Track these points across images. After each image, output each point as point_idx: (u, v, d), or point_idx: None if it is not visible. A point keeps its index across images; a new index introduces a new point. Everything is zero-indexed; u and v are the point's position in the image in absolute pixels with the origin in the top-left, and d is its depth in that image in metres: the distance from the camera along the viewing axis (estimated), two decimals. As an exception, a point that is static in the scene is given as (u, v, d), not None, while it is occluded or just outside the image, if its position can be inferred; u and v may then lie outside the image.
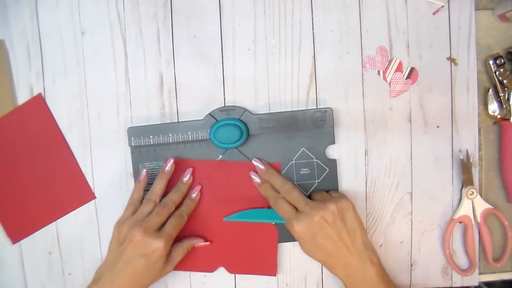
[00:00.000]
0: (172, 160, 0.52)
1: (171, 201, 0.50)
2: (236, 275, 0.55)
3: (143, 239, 0.47)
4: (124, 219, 0.50)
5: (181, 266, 0.52)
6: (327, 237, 0.48)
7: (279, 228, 0.54)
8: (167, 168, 0.52)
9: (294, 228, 0.48)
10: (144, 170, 0.52)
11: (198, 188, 0.53)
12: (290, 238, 0.52)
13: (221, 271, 0.54)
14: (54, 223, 0.55)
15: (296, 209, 0.50)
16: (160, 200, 0.51)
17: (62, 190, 0.54)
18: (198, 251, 0.53)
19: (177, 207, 0.51)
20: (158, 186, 0.51)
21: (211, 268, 0.54)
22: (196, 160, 0.53)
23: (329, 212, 0.48)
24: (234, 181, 0.53)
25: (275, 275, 0.54)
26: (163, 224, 0.49)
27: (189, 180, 0.52)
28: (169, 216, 0.50)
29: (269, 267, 0.54)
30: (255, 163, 0.52)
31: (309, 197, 0.53)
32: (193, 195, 0.53)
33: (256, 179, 0.52)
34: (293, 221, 0.49)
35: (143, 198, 0.51)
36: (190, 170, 0.53)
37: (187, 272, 0.55)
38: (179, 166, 0.53)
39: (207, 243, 0.53)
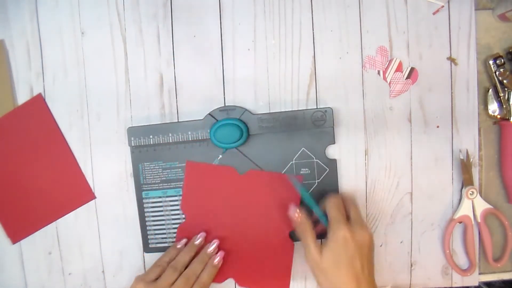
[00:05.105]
0: (203, 234, 0.52)
1: (194, 275, 0.49)
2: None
3: None
4: (148, 281, 0.48)
5: None
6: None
7: (292, 233, 0.53)
8: (197, 241, 0.52)
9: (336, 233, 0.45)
10: (184, 240, 0.52)
11: (221, 254, 0.52)
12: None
13: (230, 283, 0.54)
14: (54, 223, 0.55)
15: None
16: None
17: (62, 190, 0.54)
18: None
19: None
20: (186, 257, 0.50)
21: (220, 279, 0.53)
22: (211, 164, 0.53)
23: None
24: (249, 190, 0.53)
25: None
26: None
27: (201, 243, 0.52)
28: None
29: (281, 285, 0.53)
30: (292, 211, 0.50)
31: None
32: (215, 262, 0.51)
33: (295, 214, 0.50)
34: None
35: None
36: (203, 234, 0.52)
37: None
38: (194, 169, 0.53)
39: (221, 254, 0.52)
